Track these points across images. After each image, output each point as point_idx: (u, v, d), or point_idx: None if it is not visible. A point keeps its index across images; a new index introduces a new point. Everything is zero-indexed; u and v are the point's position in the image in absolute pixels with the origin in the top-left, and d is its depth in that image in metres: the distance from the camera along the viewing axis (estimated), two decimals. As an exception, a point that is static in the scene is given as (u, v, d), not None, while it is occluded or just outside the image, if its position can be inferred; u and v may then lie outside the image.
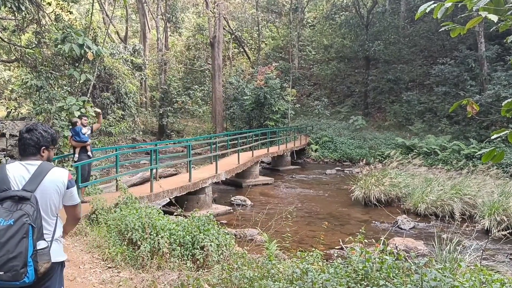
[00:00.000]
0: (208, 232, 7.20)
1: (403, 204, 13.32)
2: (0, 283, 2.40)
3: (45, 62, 12.33)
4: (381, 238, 9.33)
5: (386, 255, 4.88)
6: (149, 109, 34.71)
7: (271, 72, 26.59)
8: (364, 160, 17.39)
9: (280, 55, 40.64)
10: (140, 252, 6.60)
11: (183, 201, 11.82)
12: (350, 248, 6.30)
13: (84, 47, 10.22)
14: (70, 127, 9.24)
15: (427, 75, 30.20)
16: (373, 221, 11.92)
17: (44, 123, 3.18)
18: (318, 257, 5.91)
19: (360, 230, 5.73)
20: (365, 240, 6.65)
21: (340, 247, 9.36)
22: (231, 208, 13.09)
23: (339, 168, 21.94)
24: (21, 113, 16.25)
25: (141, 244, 6.73)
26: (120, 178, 10.49)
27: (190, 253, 6.85)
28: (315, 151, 25.20)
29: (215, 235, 7.23)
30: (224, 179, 13.93)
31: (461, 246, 7.70)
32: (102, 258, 6.77)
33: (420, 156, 18.81)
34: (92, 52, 10.37)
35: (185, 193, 11.31)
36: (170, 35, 41.01)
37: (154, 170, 10.71)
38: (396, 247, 8.28)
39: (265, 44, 44.98)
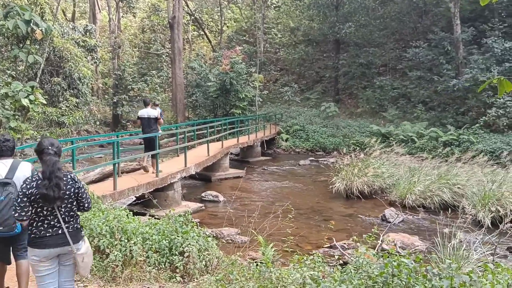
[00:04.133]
0: (187, 235, 6.63)
1: (388, 195, 13.16)
2: (2, 234, 4.23)
3: (-17, 42, 11.26)
4: (374, 235, 9.05)
5: (388, 255, 4.51)
6: (101, 97, 33.34)
7: (237, 56, 25.96)
8: (344, 149, 17.06)
9: (244, 38, 40.00)
10: (109, 261, 5.95)
11: (149, 199, 11.16)
12: (354, 249, 5.92)
13: (31, 24, 9.30)
14: None
15: (399, 59, 30.44)
16: (359, 215, 11.66)
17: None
18: (320, 261, 5.48)
19: (332, 227, 5.36)
20: (355, 237, 6.30)
21: (329, 245, 8.99)
22: (202, 205, 12.52)
23: (313, 158, 21.70)
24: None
25: (110, 252, 6.08)
26: (76, 174, 9.69)
27: (168, 260, 6.26)
28: (286, 140, 24.88)
29: (195, 238, 6.67)
30: (193, 173, 13.31)
31: (458, 239, 7.49)
32: (64, 270, 6.08)
33: (396, 144, 18.76)
34: (41, 30, 9.46)
35: (152, 189, 10.62)
36: (122, 17, 39.50)
37: (117, 165, 9.94)
38: (395, 244, 7.98)
39: (227, 26, 44.17)
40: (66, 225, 3.54)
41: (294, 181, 16.36)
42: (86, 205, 3.68)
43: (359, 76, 31.11)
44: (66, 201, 3.52)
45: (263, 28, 37.42)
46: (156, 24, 40.26)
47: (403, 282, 4.20)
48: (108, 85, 33.74)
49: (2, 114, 9.62)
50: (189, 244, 6.42)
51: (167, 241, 6.43)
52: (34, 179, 3.53)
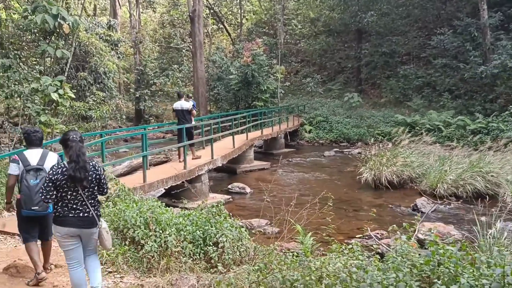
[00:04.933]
0: (220, 226, 6.59)
1: (418, 185, 12.92)
2: (37, 213, 4.70)
3: (11, 39, 11.37)
4: (409, 224, 8.88)
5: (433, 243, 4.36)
6: (123, 92, 33.57)
7: (258, 48, 25.82)
8: (371, 140, 16.76)
9: (264, 30, 39.74)
10: (144, 252, 5.94)
11: (177, 191, 11.17)
12: (396, 238, 5.78)
13: (59, 18, 9.33)
14: None
15: (422, 47, 29.85)
16: (389, 205, 11.47)
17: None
18: (359, 251, 5.36)
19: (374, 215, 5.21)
20: (394, 226, 6.14)
21: (361, 235, 8.85)
22: (230, 196, 12.47)
23: (337, 149, 21.50)
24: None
25: (145, 243, 6.07)
26: (106, 167, 9.73)
27: (202, 251, 6.23)
28: (309, 132, 24.69)
29: (229, 228, 6.62)
30: (220, 165, 13.28)
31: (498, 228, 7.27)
32: (100, 262, 6.08)
33: (424, 133, 18.40)
34: (68, 24, 9.49)
35: (180, 182, 10.62)
36: (142, 12, 39.62)
37: (145, 157, 9.94)
38: (438, 232, 7.80)
39: (246, 19, 43.95)
40: (91, 208, 4.03)
41: (320, 172, 16.21)
42: (105, 189, 4.18)
43: (382, 66, 30.64)
44: (89, 184, 3.96)
45: (283, 20, 37.13)
46: (175, 18, 40.28)
47: (451, 271, 4.04)
48: (130, 80, 33.92)
49: (32, 109, 9.70)
50: (223, 234, 6.38)
51: (201, 231, 6.40)
52: (59, 167, 3.95)
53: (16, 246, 6.48)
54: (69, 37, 11.47)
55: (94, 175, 3.99)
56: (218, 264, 5.94)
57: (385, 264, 4.38)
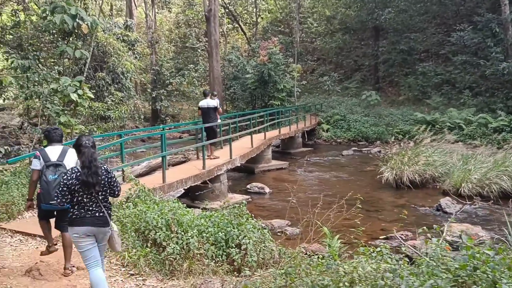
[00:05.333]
0: (242, 227, 6.46)
1: (440, 184, 12.66)
2: (55, 207, 4.83)
3: (30, 40, 11.39)
4: (435, 225, 8.65)
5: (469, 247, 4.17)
6: (140, 93, 33.68)
7: (275, 47, 25.64)
8: (391, 138, 16.47)
9: (279, 29, 39.52)
10: (167, 254, 5.84)
11: (196, 192, 11.09)
12: (426, 240, 5.59)
13: (77, 18, 9.30)
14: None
15: (441, 44, 29.38)
16: (411, 205, 11.23)
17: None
18: (386, 253, 5.18)
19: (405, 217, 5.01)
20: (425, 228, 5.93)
21: (385, 236, 8.66)
22: (249, 197, 12.34)
23: (356, 148, 21.23)
24: (7, 98, 15.26)
25: (167, 245, 5.97)
26: (126, 168, 9.69)
27: (224, 253, 6.11)
28: (327, 131, 24.44)
29: (252, 230, 6.49)
30: (239, 164, 13.16)
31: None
32: (122, 264, 6.00)
33: (444, 131, 18.03)
34: (87, 24, 9.45)
35: (199, 182, 10.53)
36: (157, 12, 39.68)
37: (165, 158, 9.85)
38: (475, 234, 7.57)
39: (261, 18, 43.76)
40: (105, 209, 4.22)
41: (339, 172, 15.99)
42: (117, 192, 4.34)
43: (399, 63, 30.22)
44: (102, 188, 4.15)
45: (299, 18, 36.87)
46: (191, 18, 40.28)
47: (489, 276, 3.84)
48: (146, 80, 34.00)
49: (51, 109, 9.69)
50: (245, 236, 6.26)
51: (223, 233, 6.28)
52: (73, 172, 4.13)
53: (37, 247, 6.43)
54: (87, 37, 11.42)
55: (106, 179, 4.19)
56: (242, 267, 5.83)
57: (418, 269, 4.20)
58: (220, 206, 10.65)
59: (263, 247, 6.38)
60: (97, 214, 4.15)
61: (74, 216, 4.13)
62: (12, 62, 9.50)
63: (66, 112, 9.51)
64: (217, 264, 5.96)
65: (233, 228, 6.35)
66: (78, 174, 4.07)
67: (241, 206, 6.99)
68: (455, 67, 26.45)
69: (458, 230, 7.98)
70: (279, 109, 22.00)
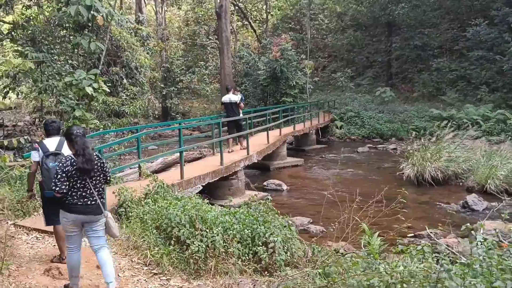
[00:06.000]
0: (269, 224, 6.15)
1: (463, 181, 12.27)
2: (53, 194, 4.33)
3: (43, 34, 11.13)
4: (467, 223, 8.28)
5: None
6: (151, 90, 33.43)
7: (287, 43, 25.29)
8: (413, 134, 15.99)
9: (290, 25, 39.14)
10: (191, 253, 5.54)
11: (213, 189, 10.79)
12: (470, 239, 5.23)
13: (92, 10, 9.02)
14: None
15: (455, 40, 28.90)
16: (435, 202, 10.85)
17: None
18: (429, 252, 4.83)
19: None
20: (468, 225, 5.58)
21: (413, 234, 8.32)
22: (267, 194, 11.99)
23: (371, 145, 20.83)
24: (21, 92, 15.01)
25: (192, 243, 5.66)
26: (142, 164, 9.41)
27: (251, 252, 5.80)
28: (340, 128, 24.03)
29: (279, 227, 6.17)
30: (256, 161, 12.84)
31: None
32: (144, 263, 5.71)
33: (465, 127, 17.58)
34: (102, 16, 9.17)
35: (217, 178, 10.22)
36: (166, 10, 39.40)
37: (182, 153, 9.54)
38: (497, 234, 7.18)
39: (271, 15, 43.38)
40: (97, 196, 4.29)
41: (356, 169, 15.62)
42: (108, 178, 4.48)
43: (413, 59, 29.77)
44: (96, 174, 4.27)
45: (309, 14, 36.46)
46: (200, 16, 39.98)
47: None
48: (156, 78, 33.79)
49: (66, 104, 9.42)
50: (272, 233, 5.95)
51: (249, 230, 5.97)
52: (67, 159, 4.24)
53: (54, 245, 6.15)
54: (101, 31, 11.14)
55: (99, 164, 4.32)
56: (270, 266, 5.51)
57: (472, 270, 3.86)
58: (240, 203, 10.36)
59: (292, 245, 6.08)
60: (88, 202, 4.23)
61: (67, 202, 4.22)
62: (26, 56, 9.24)
63: (81, 106, 9.23)
64: (244, 263, 5.65)
65: (259, 226, 6.04)
66: (72, 161, 4.19)
67: (267, 202, 6.69)
68: (471, 63, 25.98)
69: (492, 228, 7.59)
70: (293, 106, 21.66)
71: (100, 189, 4.39)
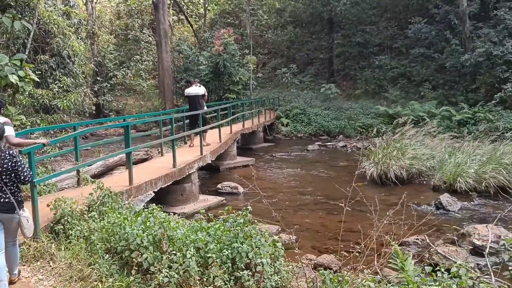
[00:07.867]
0: (250, 241, 5.00)
1: (427, 179, 11.75)
2: None
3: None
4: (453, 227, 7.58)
5: None
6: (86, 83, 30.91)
7: (229, 37, 24.09)
8: (372, 132, 15.41)
9: (229, 20, 37.94)
10: (159, 284, 4.25)
11: (164, 194, 9.41)
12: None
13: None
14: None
15: (394, 38, 29.11)
16: (409, 204, 10.13)
17: None
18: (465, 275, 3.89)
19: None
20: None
21: (398, 242, 7.45)
22: (222, 198, 10.79)
23: (320, 143, 20.14)
24: None
25: (158, 271, 4.36)
26: (82, 168, 7.84)
27: (232, 278, 4.60)
28: (286, 125, 23.22)
29: (264, 244, 5.02)
30: (210, 161, 11.57)
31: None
32: (99, 297, 4.33)
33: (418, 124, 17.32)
34: (29, -11, 7.51)
35: (170, 183, 8.87)
36: (96, 2, 36.78)
37: (130, 154, 8.06)
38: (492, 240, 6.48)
39: (208, 10, 41.91)
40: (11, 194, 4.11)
41: (311, 168, 14.77)
42: (22, 177, 4.17)
43: (355, 57, 29.65)
44: (5, 173, 4.04)
45: (249, 10, 35.47)
46: (133, 8, 37.71)
47: None
48: (86, 73, 31.34)
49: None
50: (257, 252, 4.82)
51: (228, 251, 4.78)
52: None
53: None
54: (26, 12, 9.38)
55: (10, 163, 4.06)
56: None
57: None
58: (195, 209, 9.11)
59: (280, 266, 4.98)
60: (1, 200, 4.06)
61: None
62: None
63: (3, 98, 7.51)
64: (224, 293, 4.46)
65: (240, 244, 4.87)
66: None
67: (246, 213, 5.56)
68: (411, 61, 26.23)
69: (484, 232, 6.89)
70: (241, 102, 20.54)
71: (14, 187, 4.17)
